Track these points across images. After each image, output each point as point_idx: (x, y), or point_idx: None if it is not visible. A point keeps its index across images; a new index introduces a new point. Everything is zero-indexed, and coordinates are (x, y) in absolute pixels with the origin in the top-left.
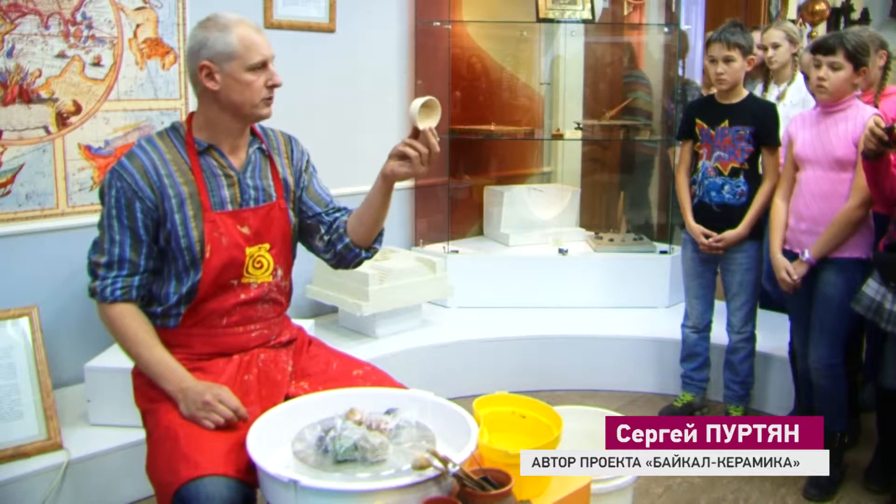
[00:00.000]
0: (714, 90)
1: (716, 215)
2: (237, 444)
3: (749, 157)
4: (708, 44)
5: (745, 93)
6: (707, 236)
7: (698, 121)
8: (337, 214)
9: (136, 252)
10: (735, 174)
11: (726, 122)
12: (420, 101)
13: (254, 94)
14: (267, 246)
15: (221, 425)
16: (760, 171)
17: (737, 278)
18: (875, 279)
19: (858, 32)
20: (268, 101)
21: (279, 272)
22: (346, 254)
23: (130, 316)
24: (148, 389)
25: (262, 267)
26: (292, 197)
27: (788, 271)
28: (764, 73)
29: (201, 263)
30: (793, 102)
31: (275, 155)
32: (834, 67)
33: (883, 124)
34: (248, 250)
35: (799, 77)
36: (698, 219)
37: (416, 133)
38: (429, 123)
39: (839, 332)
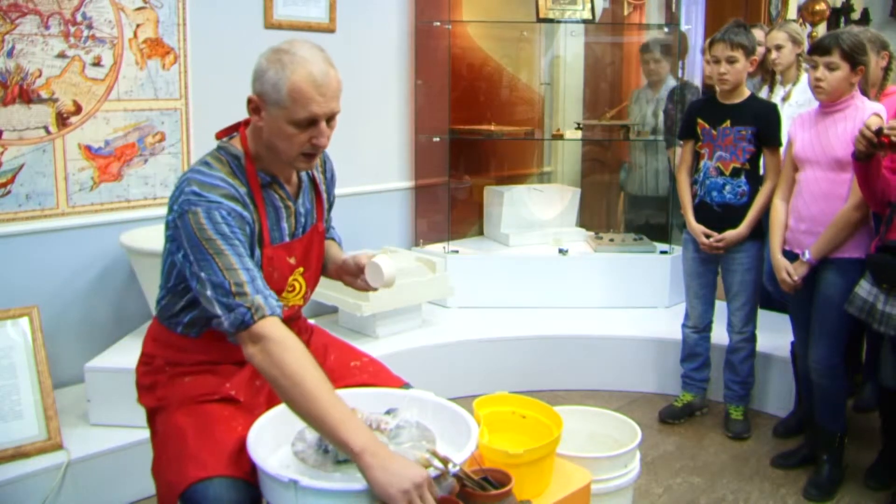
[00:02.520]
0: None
1: (717, 215)
2: (244, 445)
3: (750, 158)
4: (711, 43)
5: (747, 93)
6: (708, 236)
7: (700, 121)
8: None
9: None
10: (736, 174)
11: (728, 123)
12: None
13: (292, 148)
14: (302, 269)
15: None
16: (762, 171)
17: (737, 278)
18: (868, 280)
19: (857, 33)
20: (309, 156)
21: (308, 294)
22: None
23: (293, 347)
24: (156, 388)
25: (294, 290)
26: (326, 216)
27: (789, 272)
28: (770, 74)
29: None
30: (798, 103)
31: (317, 173)
32: (830, 67)
33: (874, 126)
34: (290, 278)
35: (803, 77)
36: (699, 218)
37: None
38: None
39: (839, 333)
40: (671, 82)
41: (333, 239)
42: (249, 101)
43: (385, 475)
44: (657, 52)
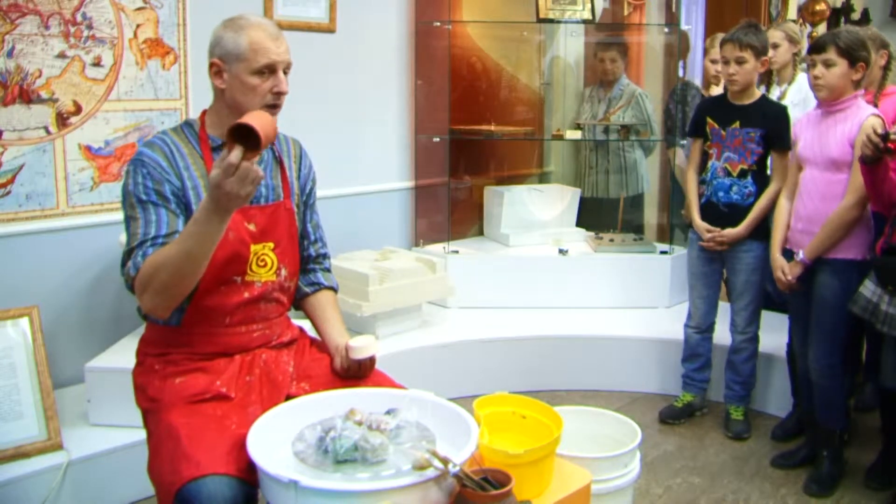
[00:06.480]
0: (714, 91)
1: (723, 215)
2: (239, 443)
3: (758, 159)
4: (721, 44)
5: (758, 94)
6: (710, 232)
7: (709, 120)
8: (310, 252)
9: (173, 227)
10: (743, 175)
11: (737, 124)
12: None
13: (255, 98)
14: (271, 244)
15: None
16: (769, 171)
17: (742, 278)
18: (872, 280)
19: (856, 31)
20: (272, 107)
21: (283, 272)
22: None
23: (153, 255)
24: (148, 389)
25: (265, 265)
26: (297, 202)
27: (784, 271)
28: (767, 73)
29: None
30: (793, 103)
31: (285, 158)
32: (827, 64)
33: (880, 130)
34: (253, 247)
35: (799, 77)
36: (706, 218)
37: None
38: (363, 354)
39: (837, 333)
40: (624, 82)
41: (333, 289)
42: (212, 65)
43: (231, 193)
44: (614, 51)
